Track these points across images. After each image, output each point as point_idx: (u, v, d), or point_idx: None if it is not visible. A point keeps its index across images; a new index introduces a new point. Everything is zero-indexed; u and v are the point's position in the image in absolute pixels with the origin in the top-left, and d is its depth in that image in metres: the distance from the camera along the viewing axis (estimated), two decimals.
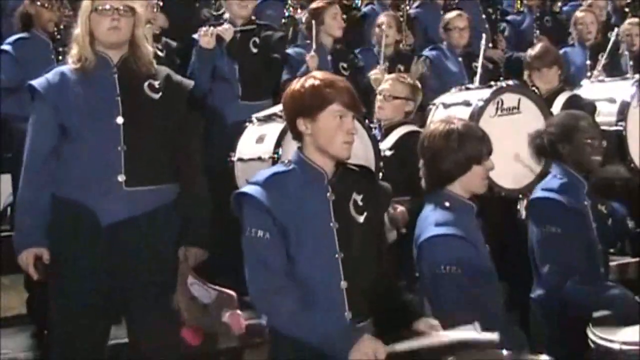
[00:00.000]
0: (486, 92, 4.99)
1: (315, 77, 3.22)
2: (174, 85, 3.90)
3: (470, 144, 3.58)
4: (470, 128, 3.67)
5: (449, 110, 5.05)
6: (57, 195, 3.71)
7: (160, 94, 3.80)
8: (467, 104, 4.98)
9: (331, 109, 3.15)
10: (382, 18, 6.93)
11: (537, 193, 4.36)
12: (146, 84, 3.79)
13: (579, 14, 7.51)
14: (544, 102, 5.16)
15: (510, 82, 5.20)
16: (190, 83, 4.02)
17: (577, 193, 4.29)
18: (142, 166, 3.70)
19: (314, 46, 6.11)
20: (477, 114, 4.86)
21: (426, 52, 7.13)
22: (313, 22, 6.27)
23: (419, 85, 5.36)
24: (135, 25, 3.77)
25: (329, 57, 6.37)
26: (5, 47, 5.49)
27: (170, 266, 3.74)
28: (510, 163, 4.82)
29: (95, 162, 3.66)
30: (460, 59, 7.00)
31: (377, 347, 2.94)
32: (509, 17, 8.73)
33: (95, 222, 3.65)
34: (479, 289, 3.46)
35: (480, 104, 4.91)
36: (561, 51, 7.02)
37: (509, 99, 4.99)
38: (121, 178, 3.66)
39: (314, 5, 6.53)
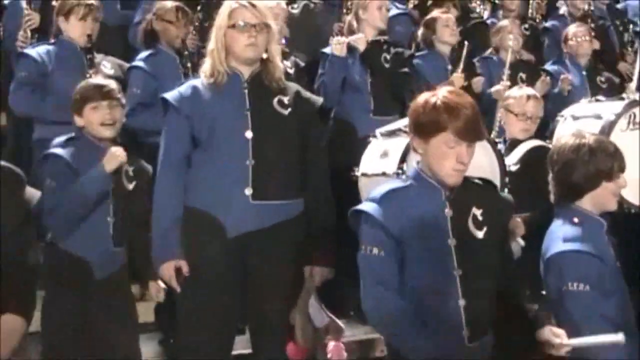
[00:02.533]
0: (618, 105, 4.84)
1: (441, 96, 3.12)
2: (304, 101, 3.93)
3: (601, 159, 3.49)
4: (602, 143, 3.58)
5: (578, 122, 4.89)
6: (187, 205, 3.79)
7: (290, 109, 3.83)
8: (597, 117, 4.82)
9: (443, 137, 3.08)
10: (507, 25, 6.94)
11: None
12: (276, 99, 3.83)
13: None
14: None
15: None
16: (319, 100, 4.05)
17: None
18: (269, 180, 3.75)
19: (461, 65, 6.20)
20: (608, 128, 4.69)
21: (548, 66, 7.06)
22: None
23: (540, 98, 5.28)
24: (269, 41, 3.82)
25: (449, 67, 6.40)
26: (138, 63, 5.64)
27: (292, 280, 3.80)
28: None
29: (224, 174, 3.73)
30: (584, 72, 6.87)
31: None
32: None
33: (222, 234, 3.72)
34: (609, 307, 3.36)
35: (612, 117, 4.74)
36: None
37: None
38: (248, 191, 3.72)
39: (429, 16, 6.64)
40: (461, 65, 6.30)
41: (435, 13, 6.67)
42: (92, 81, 4.51)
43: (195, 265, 3.76)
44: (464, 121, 3.06)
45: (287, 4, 6.72)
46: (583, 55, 6.93)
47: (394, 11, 7.71)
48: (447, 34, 6.54)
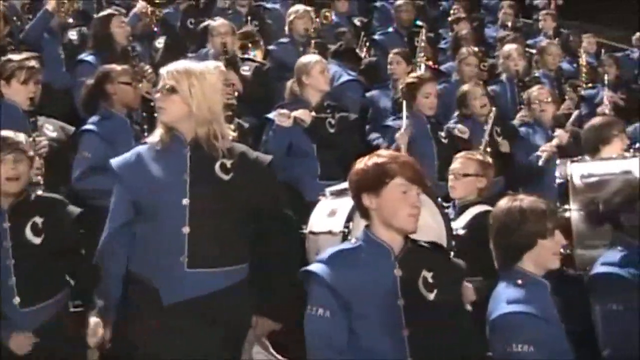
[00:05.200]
0: None
1: (379, 155, 3.31)
2: (249, 163, 3.85)
3: (533, 220, 3.54)
4: (534, 203, 3.62)
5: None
6: (130, 270, 3.77)
7: (232, 174, 3.76)
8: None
9: (394, 184, 3.21)
10: (471, 89, 7.04)
11: (597, 268, 4.09)
12: (218, 164, 3.76)
13: None
14: None
15: None
16: (267, 158, 3.97)
17: None
18: (206, 248, 3.69)
19: (404, 124, 6.21)
20: None
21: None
22: (404, 98, 6.44)
23: (490, 161, 5.30)
24: (186, 103, 3.72)
25: (428, 126, 6.47)
26: (90, 126, 5.57)
27: (237, 347, 3.76)
28: None
29: (161, 241, 3.69)
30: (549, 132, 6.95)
31: None
32: None
33: (157, 301, 3.66)
34: None
35: None
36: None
37: None
38: (183, 259, 3.66)
39: (408, 79, 6.66)
40: (404, 125, 6.30)
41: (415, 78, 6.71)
42: None
43: (130, 331, 3.73)
44: (410, 167, 3.24)
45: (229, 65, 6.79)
46: (546, 118, 7.03)
47: (344, 78, 7.88)
48: (427, 106, 6.55)
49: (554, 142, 6.60)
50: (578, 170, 4.99)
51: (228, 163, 3.77)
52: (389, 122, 6.78)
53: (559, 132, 6.67)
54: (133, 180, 3.76)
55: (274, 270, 3.81)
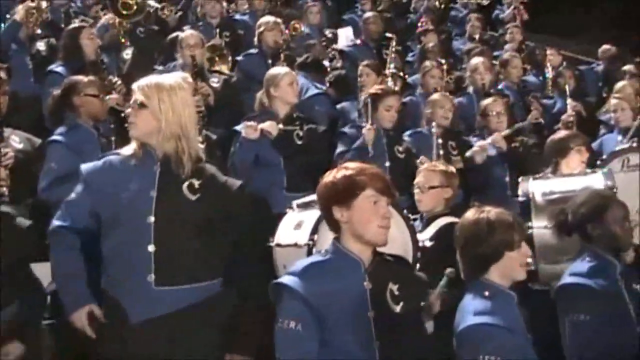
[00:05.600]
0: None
1: (347, 167, 3.32)
2: (217, 185, 3.82)
3: (500, 231, 3.56)
4: (501, 215, 3.65)
5: None
6: (101, 288, 3.74)
7: (199, 195, 3.73)
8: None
9: (365, 195, 3.23)
10: (439, 98, 7.07)
11: (565, 278, 4.20)
12: (186, 183, 3.73)
13: None
14: None
15: None
16: (235, 183, 3.93)
17: (609, 275, 4.13)
18: (173, 266, 3.66)
19: (369, 120, 6.24)
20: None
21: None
22: (370, 105, 6.42)
23: (453, 170, 5.33)
24: (155, 118, 3.71)
25: (384, 140, 6.45)
26: (57, 137, 5.55)
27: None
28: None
29: (127, 258, 3.66)
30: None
31: None
32: None
33: (124, 319, 3.64)
34: None
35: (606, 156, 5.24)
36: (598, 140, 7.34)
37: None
38: (150, 278, 3.63)
39: (372, 90, 6.66)
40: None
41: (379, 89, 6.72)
42: None
43: (99, 349, 3.69)
44: (378, 178, 3.26)
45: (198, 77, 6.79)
46: (501, 128, 6.96)
47: (312, 91, 7.89)
48: (387, 118, 6.54)
49: (488, 140, 6.66)
50: (539, 188, 5.06)
51: (196, 183, 3.75)
52: (346, 129, 6.76)
53: (494, 135, 6.71)
54: (99, 189, 3.74)
55: (242, 303, 3.81)
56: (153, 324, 3.63)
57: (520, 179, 5.29)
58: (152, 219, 3.66)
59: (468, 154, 6.58)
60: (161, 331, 3.63)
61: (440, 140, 6.65)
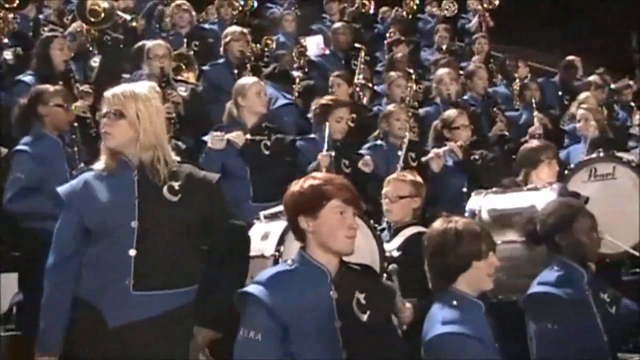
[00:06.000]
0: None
1: (314, 177, 3.33)
2: (196, 182, 3.82)
3: (468, 241, 3.60)
4: (469, 225, 3.69)
5: None
6: (75, 296, 3.70)
7: (180, 195, 3.74)
8: None
9: (331, 205, 3.23)
10: (395, 110, 7.08)
11: (534, 288, 4.22)
12: (166, 186, 3.73)
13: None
14: None
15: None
16: (214, 177, 3.93)
17: (576, 284, 4.15)
18: (153, 270, 3.66)
19: (325, 145, 6.17)
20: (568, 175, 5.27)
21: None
22: (321, 118, 6.43)
23: (420, 180, 5.36)
24: (133, 128, 3.71)
25: (332, 153, 6.37)
26: (23, 147, 5.52)
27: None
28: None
29: (107, 264, 3.65)
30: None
31: None
32: None
33: (102, 324, 3.62)
34: None
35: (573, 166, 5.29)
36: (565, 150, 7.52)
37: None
38: (129, 282, 3.62)
39: (323, 100, 6.66)
40: (325, 146, 6.23)
41: (329, 100, 6.71)
42: None
43: (75, 356, 3.66)
44: (345, 188, 3.26)
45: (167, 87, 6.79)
46: (463, 140, 6.93)
47: (281, 101, 7.90)
48: (338, 129, 6.52)
49: (444, 148, 6.68)
50: (487, 204, 5.08)
51: (176, 185, 3.75)
52: (299, 142, 6.63)
53: (450, 143, 6.73)
54: (82, 205, 3.71)
55: (219, 280, 3.79)
56: (131, 328, 3.62)
57: (472, 194, 5.29)
58: (135, 223, 3.66)
59: (423, 159, 6.57)
60: (138, 336, 3.62)
61: (399, 152, 6.72)
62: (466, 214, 5.05)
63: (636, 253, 5.03)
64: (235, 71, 8.23)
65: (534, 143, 5.98)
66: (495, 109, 8.76)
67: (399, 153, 6.74)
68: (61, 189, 3.81)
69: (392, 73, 8.46)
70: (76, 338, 3.67)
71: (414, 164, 6.69)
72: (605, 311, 4.19)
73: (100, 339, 3.62)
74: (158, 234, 3.68)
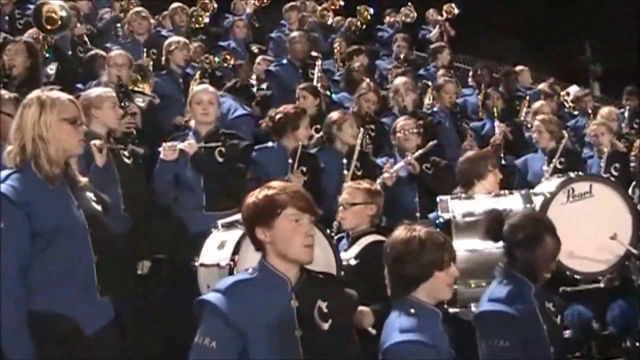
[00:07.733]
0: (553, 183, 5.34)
1: (269, 187, 3.31)
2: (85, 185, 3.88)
3: (431, 250, 3.59)
4: (432, 235, 3.68)
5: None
6: (34, 310, 3.57)
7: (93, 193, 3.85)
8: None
9: (285, 214, 3.23)
10: (342, 116, 7.05)
11: (484, 305, 4.15)
12: (88, 192, 3.83)
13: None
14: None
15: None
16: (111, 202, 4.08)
17: (525, 298, 4.08)
18: (107, 276, 3.71)
19: (295, 167, 6.22)
20: (547, 201, 5.16)
21: (378, 160, 7.25)
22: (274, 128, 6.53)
23: (377, 187, 5.38)
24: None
25: (289, 160, 6.42)
26: None
27: None
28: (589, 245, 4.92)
29: (71, 272, 3.63)
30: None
31: None
32: None
33: (78, 332, 3.61)
34: None
35: (552, 190, 5.22)
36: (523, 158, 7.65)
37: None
38: (96, 287, 3.67)
39: (290, 109, 6.64)
40: (296, 164, 6.31)
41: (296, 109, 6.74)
42: None
43: None
44: (300, 196, 3.26)
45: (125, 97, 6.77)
46: (410, 147, 6.99)
47: (239, 112, 7.91)
48: (302, 135, 6.56)
49: (400, 164, 6.72)
50: (460, 208, 5.09)
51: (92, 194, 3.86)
52: (254, 154, 6.58)
53: (407, 157, 6.76)
54: (33, 206, 3.59)
55: None
56: (105, 332, 3.68)
57: (438, 199, 5.27)
58: (88, 228, 3.69)
59: (379, 181, 6.44)
60: (112, 338, 3.71)
61: (345, 160, 6.74)
62: (439, 219, 5.06)
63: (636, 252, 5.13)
64: (180, 80, 8.33)
65: (476, 153, 5.98)
66: (464, 124, 8.84)
67: (344, 161, 6.75)
68: (8, 191, 3.60)
69: (364, 85, 8.34)
70: (56, 354, 3.60)
71: (359, 174, 6.65)
72: (551, 322, 4.17)
73: (79, 348, 3.62)
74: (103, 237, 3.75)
